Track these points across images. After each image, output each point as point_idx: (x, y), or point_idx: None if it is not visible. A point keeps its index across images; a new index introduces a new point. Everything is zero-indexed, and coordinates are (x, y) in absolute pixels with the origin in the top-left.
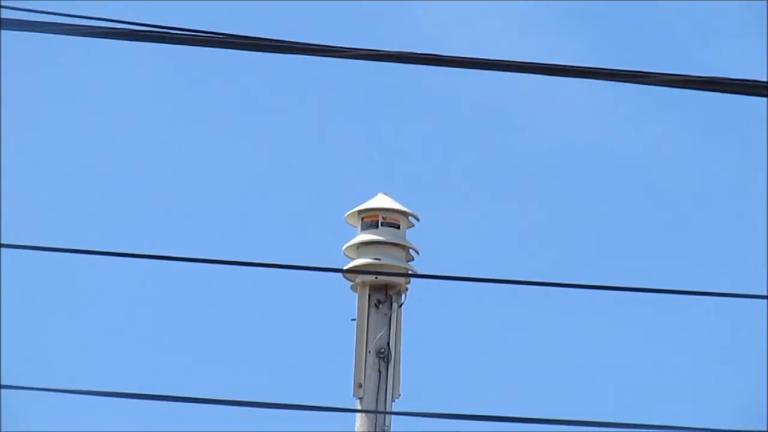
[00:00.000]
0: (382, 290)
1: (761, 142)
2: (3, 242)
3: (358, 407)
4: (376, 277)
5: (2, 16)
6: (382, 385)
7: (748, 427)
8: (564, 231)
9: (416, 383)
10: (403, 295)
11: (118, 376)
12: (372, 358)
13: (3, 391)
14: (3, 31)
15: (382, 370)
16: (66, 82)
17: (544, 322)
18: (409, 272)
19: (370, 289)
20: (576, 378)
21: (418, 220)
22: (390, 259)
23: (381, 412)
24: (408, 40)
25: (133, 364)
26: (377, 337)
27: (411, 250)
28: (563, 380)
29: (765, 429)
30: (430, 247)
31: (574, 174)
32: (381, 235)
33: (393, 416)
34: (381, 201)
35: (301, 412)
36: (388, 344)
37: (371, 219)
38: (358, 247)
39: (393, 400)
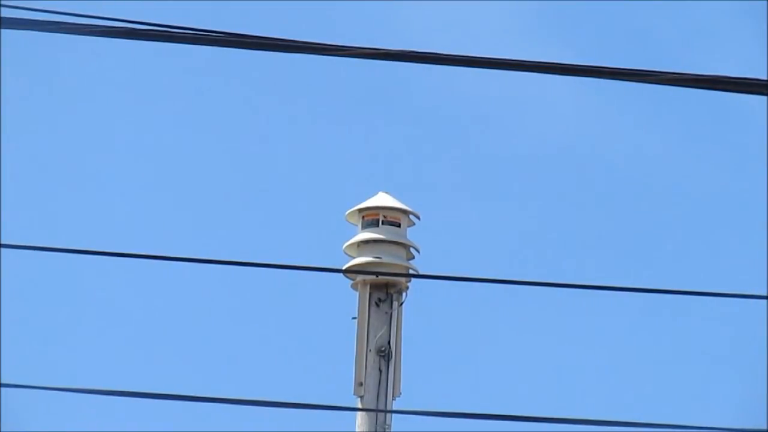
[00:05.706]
0: (383, 289)
1: (761, 141)
2: (3, 242)
3: (359, 406)
4: (377, 276)
5: (2, 15)
6: (383, 383)
7: (748, 427)
8: (564, 231)
9: (417, 382)
10: (403, 294)
11: (118, 376)
12: (373, 357)
13: (3, 390)
14: (3, 30)
15: (383, 368)
16: (66, 80)
17: (544, 321)
18: (410, 271)
19: (370, 288)
20: (576, 377)
21: (418, 218)
22: (390, 258)
23: (382, 411)
24: (395, 41)
25: (133, 364)
26: (378, 335)
27: (411, 249)
28: (563, 379)
29: (765, 429)
30: (430, 245)
31: (573, 174)
32: (381, 234)
33: (394, 415)
34: (382, 199)
35: (302, 410)
36: (389, 343)
37: (372, 217)
38: (358, 246)
39: (394, 399)
